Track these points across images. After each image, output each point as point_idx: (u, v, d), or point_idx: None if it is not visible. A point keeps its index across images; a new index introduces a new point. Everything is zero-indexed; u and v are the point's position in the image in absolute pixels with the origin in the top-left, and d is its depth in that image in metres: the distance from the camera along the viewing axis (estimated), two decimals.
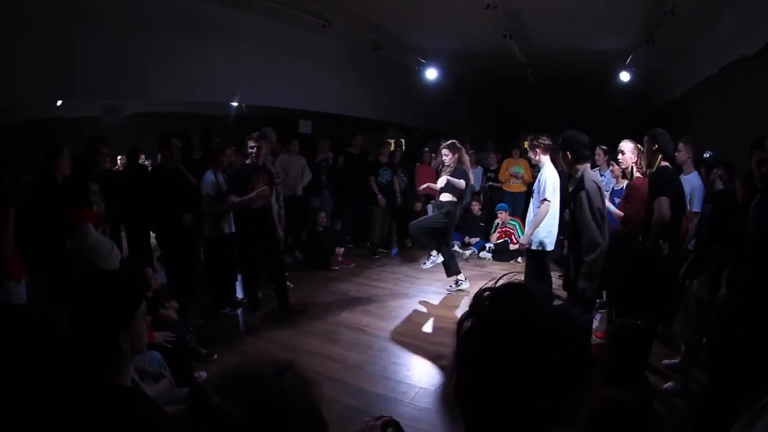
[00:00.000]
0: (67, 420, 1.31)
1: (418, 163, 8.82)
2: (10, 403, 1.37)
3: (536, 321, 0.74)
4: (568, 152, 3.78)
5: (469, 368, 0.78)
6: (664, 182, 3.52)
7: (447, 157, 5.55)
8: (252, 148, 4.71)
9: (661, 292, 3.62)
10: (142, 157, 8.11)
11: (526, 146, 6.74)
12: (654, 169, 3.66)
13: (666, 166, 3.63)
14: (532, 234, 4.58)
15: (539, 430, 0.76)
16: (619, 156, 4.43)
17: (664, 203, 3.40)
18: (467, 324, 0.79)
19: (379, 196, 7.55)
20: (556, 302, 0.80)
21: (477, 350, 0.77)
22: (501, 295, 0.79)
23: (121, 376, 1.48)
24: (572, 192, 3.80)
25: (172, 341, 2.95)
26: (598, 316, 4.60)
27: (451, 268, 5.78)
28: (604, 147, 5.85)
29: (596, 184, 3.74)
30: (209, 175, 4.81)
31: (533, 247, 4.61)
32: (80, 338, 1.43)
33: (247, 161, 4.82)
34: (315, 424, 0.80)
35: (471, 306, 0.81)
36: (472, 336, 0.78)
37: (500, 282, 0.82)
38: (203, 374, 3.42)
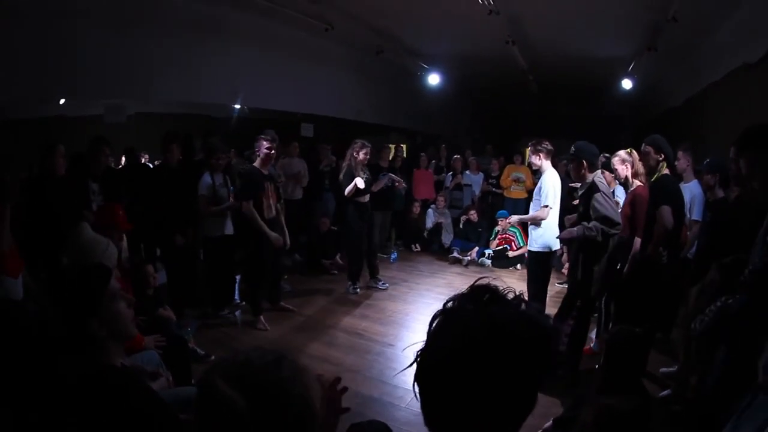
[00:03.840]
0: (59, 401, 1.35)
1: (415, 168, 8.83)
2: (10, 401, 1.38)
3: (493, 317, 0.76)
4: (584, 161, 3.80)
5: (432, 363, 0.79)
6: (666, 191, 3.50)
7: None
8: (268, 149, 4.69)
9: (659, 300, 3.61)
10: (146, 156, 8.15)
11: (526, 151, 6.71)
12: (655, 178, 3.64)
13: (666, 174, 3.61)
14: (521, 221, 4.99)
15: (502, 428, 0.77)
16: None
17: (666, 212, 3.38)
18: (436, 321, 0.83)
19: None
20: (524, 306, 0.81)
21: (440, 343, 0.80)
22: (466, 294, 0.83)
23: (112, 359, 1.54)
24: (583, 195, 3.81)
25: (163, 344, 2.89)
26: None
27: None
28: (607, 155, 5.84)
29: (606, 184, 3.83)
30: (206, 177, 4.81)
31: (534, 249, 4.62)
32: (68, 328, 1.52)
33: (255, 164, 4.77)
34: (307, 410, 0.87)
35: (443, 306, 0.84)
36: (436, 331, 0.82)
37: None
38: None
